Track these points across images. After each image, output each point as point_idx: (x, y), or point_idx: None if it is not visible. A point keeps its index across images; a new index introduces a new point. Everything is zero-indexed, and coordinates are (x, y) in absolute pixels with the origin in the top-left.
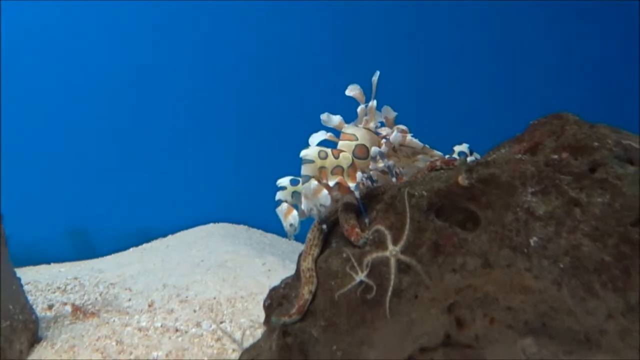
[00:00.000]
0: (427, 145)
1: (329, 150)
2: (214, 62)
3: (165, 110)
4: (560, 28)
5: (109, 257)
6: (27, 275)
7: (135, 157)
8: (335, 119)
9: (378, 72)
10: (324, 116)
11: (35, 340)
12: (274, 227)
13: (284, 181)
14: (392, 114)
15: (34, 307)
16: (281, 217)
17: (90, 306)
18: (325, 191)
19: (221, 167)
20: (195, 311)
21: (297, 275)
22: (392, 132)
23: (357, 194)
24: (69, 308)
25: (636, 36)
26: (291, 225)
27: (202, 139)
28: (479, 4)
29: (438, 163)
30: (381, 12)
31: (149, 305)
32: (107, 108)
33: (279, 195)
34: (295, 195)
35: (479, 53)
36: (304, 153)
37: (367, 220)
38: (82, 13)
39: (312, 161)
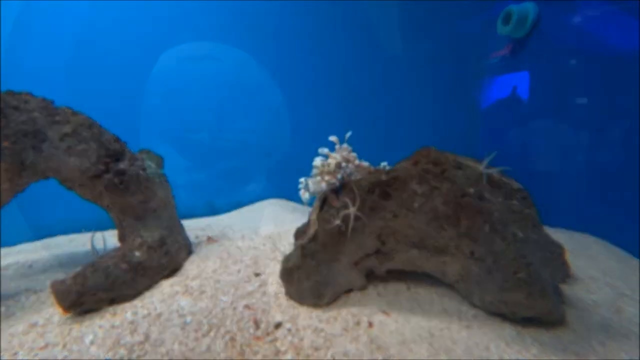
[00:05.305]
0: (369, 163)
1: (325, 162)
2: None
3: (253, 128)
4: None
5: (224, 214)
6: (185, 223)
7: (238, 162)
8: (325, 150)
9: (350, 132)
10: (320, 150)
11: (189, 253)
12: (299, 200)
13: (302, 179)
14: (350, 148)
15: (189, 237)
16: (301, 195)
17: (215, 237)
18: (323, 182)
19: (278, 171)
20: (263, 238)
21: (309, 222)
22: (355, 159)
23: (337, 183)
24: (205, 238)
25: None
26: (306, 199)
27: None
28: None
29: (372, 170)
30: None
31: (242, 236)
32: (246, 126)
33: (300, 185)
34: (307, 185)
35: (401, 110)
36: (314, 163)
37: (340, 196)
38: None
39: (317, 167)
